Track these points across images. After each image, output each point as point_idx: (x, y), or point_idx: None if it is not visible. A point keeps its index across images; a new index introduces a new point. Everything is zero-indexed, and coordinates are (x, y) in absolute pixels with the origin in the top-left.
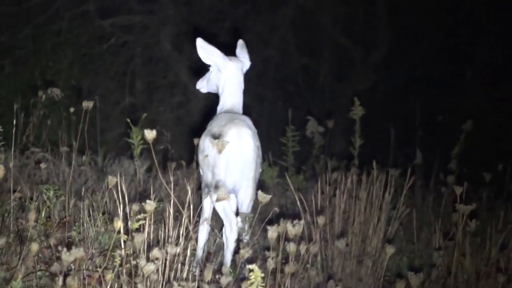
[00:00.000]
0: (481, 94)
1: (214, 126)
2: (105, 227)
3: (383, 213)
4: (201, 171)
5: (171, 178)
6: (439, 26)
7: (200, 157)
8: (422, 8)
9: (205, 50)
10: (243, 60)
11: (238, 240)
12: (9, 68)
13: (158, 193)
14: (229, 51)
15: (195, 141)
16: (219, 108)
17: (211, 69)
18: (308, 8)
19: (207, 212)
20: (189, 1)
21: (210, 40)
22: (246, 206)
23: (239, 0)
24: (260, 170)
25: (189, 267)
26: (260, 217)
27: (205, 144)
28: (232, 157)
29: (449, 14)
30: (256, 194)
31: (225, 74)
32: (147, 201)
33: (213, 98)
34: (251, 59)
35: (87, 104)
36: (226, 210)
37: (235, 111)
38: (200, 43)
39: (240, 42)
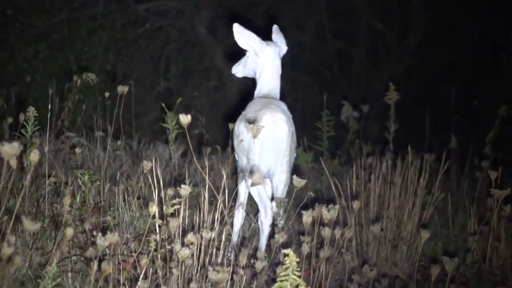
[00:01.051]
0: None
1: (249, 111)
2: (140, 212)
3: (418, 198)
4: (236, 156)
5: (206, 163)
6: (474, 10)
7: (235, 142)
8: None
9: (242, 35)
10: (280, 45)
11: (273, 225)
12: (44, 52)
13: (193, 178)
14: (264, 36)
15: (230, 125)
16: (256, 92)
17: (247, 53)
18: None
19: (242, 197)
20: None
21: (246, 24)
22: (280, 190)
23: None
24: (295, 155)
25: (224, 252)
26: (295, 202)
27: (240, 129)
28: (267, 142)
29: None
30: (291, 178)
31: (263, 59)
32: (182, 185)
33: (248, 83)
34: (287, 44)
35: (122, 89)
36: (261, 194)
37: (272, 96)
38: (237, 28)
39: (275, 27)
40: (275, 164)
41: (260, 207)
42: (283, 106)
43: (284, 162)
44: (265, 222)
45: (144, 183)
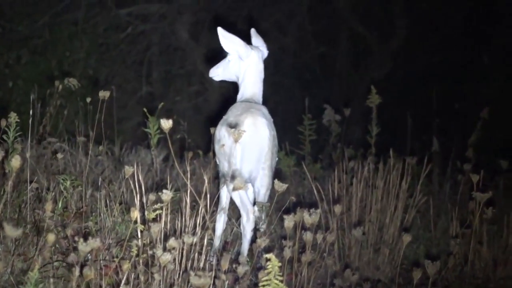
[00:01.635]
0: (499, 81)
1: (230, 115)
2: (122, 217)
3: (400, 202)
4: (217, 160)
5: (188, 168)
6: (456, 12)
7: (216, 147)
8: None
9: (227, 39)
10: (262, 49)
11: (255, 229)
12: (26, 57)
13: (175, 183)
14: (247, 39)
15: (212, 130)
16: (238, 97)
17: (229, 57)
18: None
19: (224, 202)
20: None
21: (228, 28)
22: (262, 195)
23: None
24: (277, 159)
25: (206, 256)
26: (277, 206)
27: (221, 133)
28: (248, 146)
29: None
30: (273, 183)
31: (247, 63)
32: (164, 190)
33: (230, 87)
34: (268, 47)
35: (104, 94)
36: (242, 199)
37: (255, 100)
38: (221, 32)
39: (253, 31)
40: (257, 168)
41: (242, 212)
42: (264, 110)
43: (265, 166)
44: (247, 226)
45: (126, 188)
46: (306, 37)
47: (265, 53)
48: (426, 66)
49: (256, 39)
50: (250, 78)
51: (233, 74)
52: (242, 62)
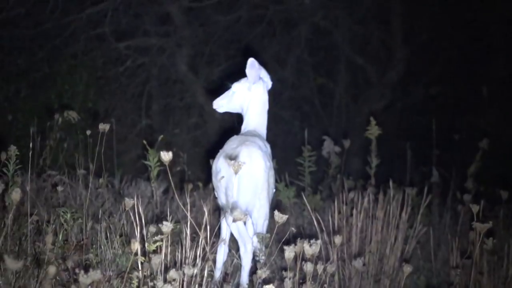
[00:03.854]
0: (497, 111)
1: (226, 148)
2: (122, 249)
3: (400, 232)
4: (215, 193)
5: (188, 200)
6: (454, 44)
7: (214, 180)
8: (437, 26)
9: (257, 72)
10: (266, 80)
11: (255, 261)
12: (25, 91)
13: (175, 215)
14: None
15: (211, 162)
16: (243, 127)
17: (233, 89)
18: (323, 28)
19: (224, 233)
20: (205, 22)
21: (227, 60)
22: (260, 225)
23: (255, 21)
24: (274, 190)
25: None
26: (277, 237)
27: (218, 166)
28: (244, 178)
29: (464, 32)
30: (273, 214)
31: (252, 94)
32: (164, 222)
33: (230, 120)
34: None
35: (104, 127)
36: (240, 230)
37: (258, 131)
38: (251, 62)
39: (255, 62)
40: (253, 200)
41: (240, 243)
42: (260, 142)
43: (262, 197)
44: (245, 257)
45: (126, 221)
46: (305, 69)
47: (269, 84)
48: (425, 98)
49: (259, 70)
50: (254, 109)
51: (238, 105)
52: (248, 93)
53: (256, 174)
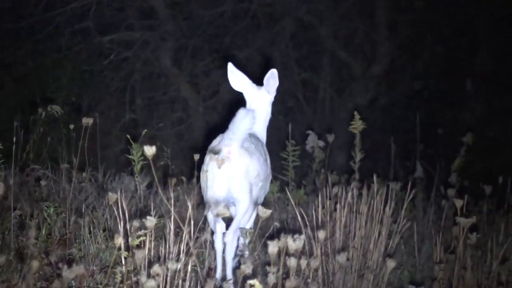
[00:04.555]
0: (481, 106)
1: (212, 143)
2: (105, 243)
3: (384, 227)
4: (202, 188)
5: (172, 194)
6: (438, 39)
7: (201, 174)
8: (421, 21)
9: (235, 75)
10: (267, 89)
11: (240, 256)
12: (9, 85)
13: (158, 209)
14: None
15: (196, 156)
16: None
17: (248, 89)
18: (307, 22)
19: (212, 224)
20: (189, 16)
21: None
22: (237, 220)
23: (239, 15)
24: (260, 184)
25: (189, 283)
26: (261, 232)
27: (205, 160)
28: (218, 173)
29: (448, 26)
30: (257, 209)
31: (249, 101)
32: (148, 217)
33: (213, 114)
34: (252, 74)
35: (87, 121)
36: (210, 222)
37: (257, 136)
38: (231, 68)
39: (272, 72)
40: (231, 194)
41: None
42: (246, 141)
43: (242, 192)
44: (217, 248)
45: (109, 215)
46: (289, 64)
47: (271, 94)
48: (409, 92)
49: (268, 80)
50: (258, 117)
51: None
52: (247, 99)
53: (231, 171)
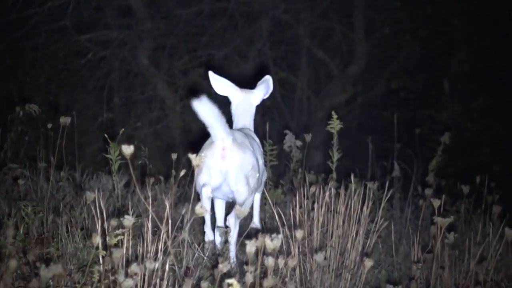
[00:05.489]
0: (459, 106)
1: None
2: (83, 242)
3: (361, 227)
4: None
5: (149, 193)
6: (416, 38)
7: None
8: (399, 20)
9: (217, 82)
10: (255, 91)
11: (217, 255)
12: None
13: (136, 208)
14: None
15: (173, 156)
16: (233, 126)
17: (231, 93)
18: (285, 21)
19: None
20: (166, 15)
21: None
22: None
23: (216, 14)
24: (257, 175)
25: (167, 282)
26: (239, 231)
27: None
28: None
29: (425, 26)
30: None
31: (234, 103)
32: (125, 216)
33: (191, 113)
34: (228, 73)
35: (65, 120)
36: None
37: (248, 127)
38: (212, 75)
39: (266, 78)
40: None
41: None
42: (239, 135)
43: (240, 185)
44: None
45: (87, 214)
46: (266, 63)
47: (257, 96)
48: (386, 92)
49: (261, 83)
50: (238, 116)
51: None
52: (232, 102)
53: (212, 163)
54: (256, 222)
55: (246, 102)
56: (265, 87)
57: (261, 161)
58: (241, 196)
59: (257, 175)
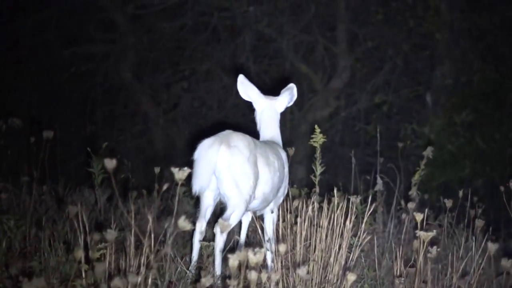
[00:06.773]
0: (441, 119)
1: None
2: (66, 256)
3: (344, 241)
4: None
5: (132, 207)
6: (398, 52)
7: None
8: (381, 34)
9: (245, 87)
10: (279, 98)
11: (199, 268)
12: None
13: (119, 222)
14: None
15: (156, 169)
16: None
17: (257, 101)
18: (268, 35)
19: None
20: (149, 29)
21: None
22: (228, 215)
23: (200, 28)
24: (251, 183)
25: None
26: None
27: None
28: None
29: (408, 40)
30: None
31: (258, 110)
32: (108, 230)
33: (173, 126)
34: (211, 87)
35: (48, 134)
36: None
37: (275, 141)
38: (242, 79)
39: (290, 85)
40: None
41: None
42: (242, 142)
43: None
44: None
45: (70, 228)
46: (249, 77)
47: (281, 104)
48: (369, 106)
49: (285, 90)
50: (263, 124)
51: (257, 119)
52: (256, 109)
53: (206, 165)
54: (241, 240)
55: (270, 109)
56: (289, 95)
57: (275, 175)
58: (231, 201)
59: (251, 182)
